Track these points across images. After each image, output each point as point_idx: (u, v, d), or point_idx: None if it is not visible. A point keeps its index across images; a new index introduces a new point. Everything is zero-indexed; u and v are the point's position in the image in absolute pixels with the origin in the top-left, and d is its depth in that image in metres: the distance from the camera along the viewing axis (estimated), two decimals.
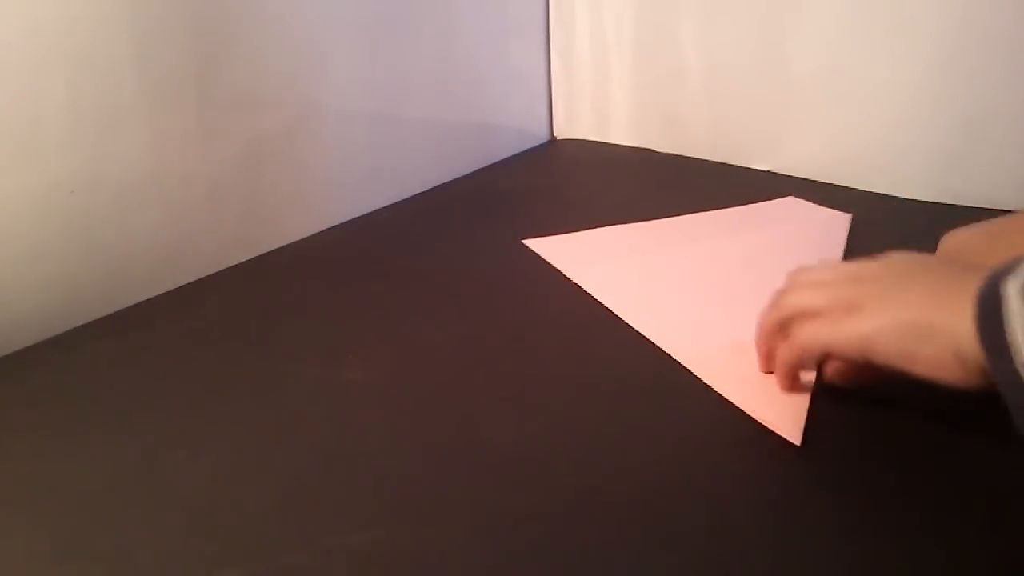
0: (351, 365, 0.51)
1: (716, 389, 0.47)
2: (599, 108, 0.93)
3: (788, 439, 0.43)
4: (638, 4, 0.86)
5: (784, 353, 0.45)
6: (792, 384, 0.46)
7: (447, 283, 0.61)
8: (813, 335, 0.43)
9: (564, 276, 0.61)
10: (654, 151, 0.90)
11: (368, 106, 0.74)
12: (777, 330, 0.46)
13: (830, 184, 0.77)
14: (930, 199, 0.71)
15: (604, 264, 0.63)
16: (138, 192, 0.59)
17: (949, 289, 0.39)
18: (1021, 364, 0.33)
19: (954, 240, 0.52)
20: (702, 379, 0.48)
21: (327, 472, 0.42)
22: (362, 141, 0.74)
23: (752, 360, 0.48)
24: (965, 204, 0.71)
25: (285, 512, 0.40)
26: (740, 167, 0.83)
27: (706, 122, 0.85)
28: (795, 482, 0.40)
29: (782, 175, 0.80)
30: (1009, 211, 0.71)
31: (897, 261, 0.44)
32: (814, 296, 0.44)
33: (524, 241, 0.67)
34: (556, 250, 0.66)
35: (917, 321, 0.39)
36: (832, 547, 0.36)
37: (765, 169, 0.82)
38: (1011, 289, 0.35)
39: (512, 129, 0.92)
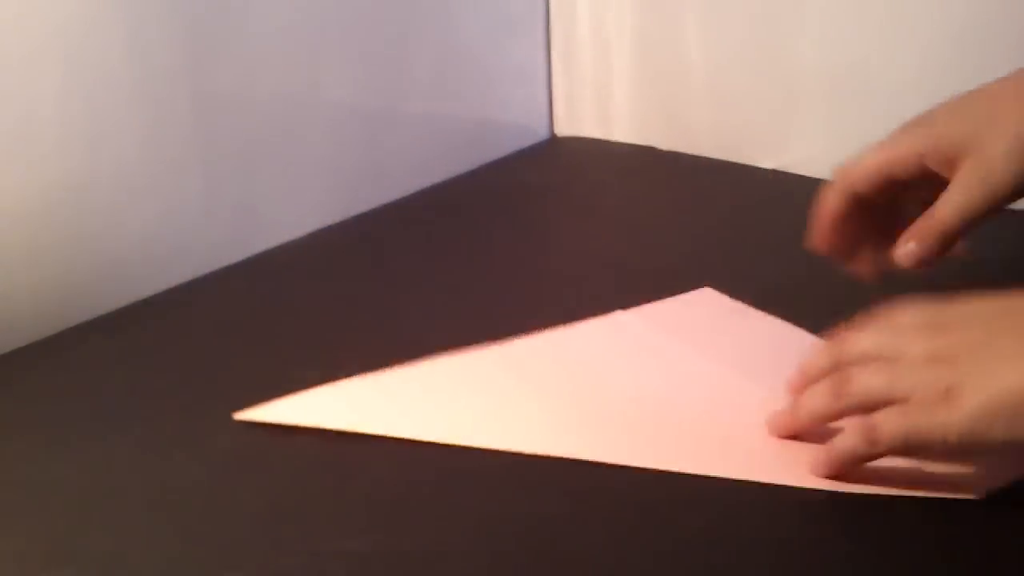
0: (349, 365, 0.51)
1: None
2: (600, 105, 0.93)
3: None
4: (640, 0, 0.86)
5: (853, 447, 0.37)
6: (842, 476, 0.38)
7: (447, 282, 0.61)
8: (899, 433, 0.36)
9: None
10: (656, 149, 0.89)
11: (366, 103, 0.73)
12: (838, 414, 0.38)
13: None
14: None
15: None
16: (134, 190, 0.58)
17: None
18: None
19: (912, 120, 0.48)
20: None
21: (326, 474, 0.42)
22: (360, 139, 0.74)
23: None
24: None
25: (283, 515, 0.39)
26: (744, 165, 0.83)
27: (709, 119, 0.85)
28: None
29: (787, 173, 0.80)
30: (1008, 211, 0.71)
31: (979, 307, 0.37)
32: (889, 382, 0.37)
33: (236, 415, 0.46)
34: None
35: None
36: None
37: (770, 167, 0.82)
38: None
39: (512, 126, 0.91)
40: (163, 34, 0.58)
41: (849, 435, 0.37)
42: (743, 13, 0.79)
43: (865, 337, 0.39)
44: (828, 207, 0.47)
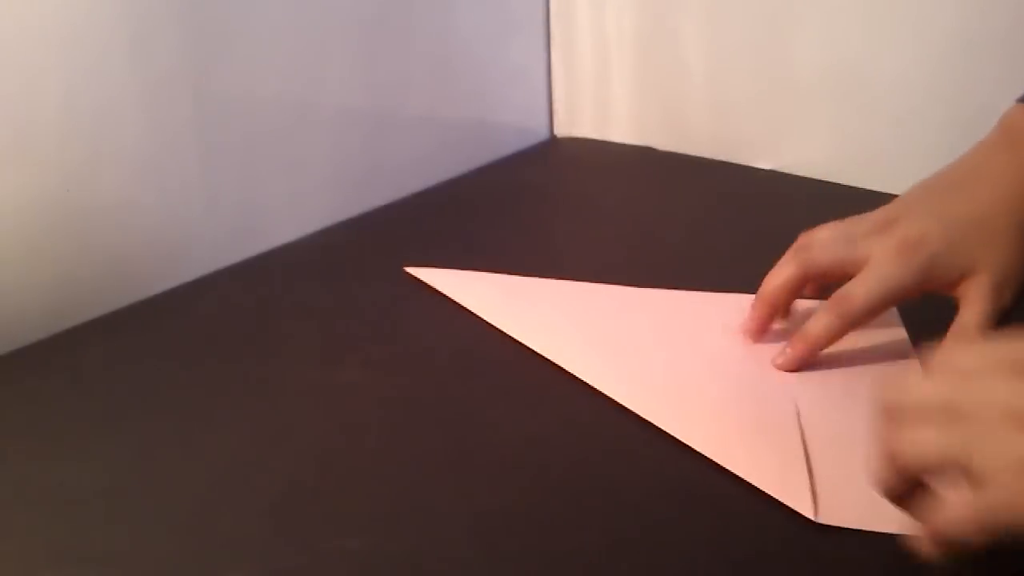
0: (349, 365, 0.51)
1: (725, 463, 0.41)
2: (600, 106, 0.93)
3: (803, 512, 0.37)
4: (639, 1, 0.86)
5: (951, 523, 0.29)
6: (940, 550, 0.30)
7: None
8: (978, 516, 0.28)
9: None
10: (655, 149, 0.89)
11: (366, 104, 0.73)
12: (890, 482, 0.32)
13: (833, 183, 0.77)
14: None
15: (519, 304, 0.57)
16: (135, 191, 0.59)
17: None
18: None
19: (900, 229, 0.47)
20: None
21: (325, 474, 0.42)
22: (360, 139, 0.74)
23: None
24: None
25: (283, 514, 0.39)
26: (742, 165, 0.83)
27: (708, 120, 0.85)
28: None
29: (785, 174, 0.80)
30: None
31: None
32: (963, 439, 0.29)
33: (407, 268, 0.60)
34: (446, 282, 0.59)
35: None
36: None
37: (768, 168, 0.82)
38: None
39: (512, 127, 0.91)
40: (165, 35, 0.58)
41: (942, 517, 0.30)
42: (742, 15, 0.79)
43: (924, 385, 0.32)
44: (822, 338, 0.47)
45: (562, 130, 0.96)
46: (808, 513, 0.37)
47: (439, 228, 0.70)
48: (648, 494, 0.40)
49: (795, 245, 0.49)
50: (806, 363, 0.47)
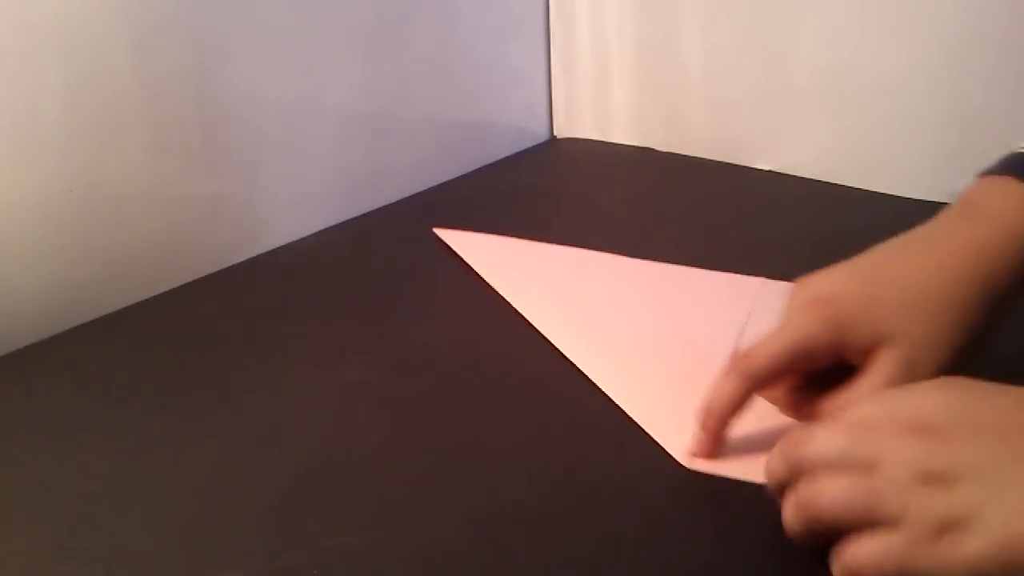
0: (350, 365, 0.51)
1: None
2: (599, 107, 0.93)
3: (675, 456, 0.41)
4: (639, 2, 0.86)
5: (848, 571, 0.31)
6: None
7: (446, 282, 0.61)
8: (890, 568, 0.30)
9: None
10: (655, 150, 0.89)
11: (367, 105, 0.73)
12: (804, 532, 0.33)
13: (832, 183, 0.77)
14: (932, 198, 0.71)
15: (525, 271, 0.61)
16: (137, 191, 0.59)
17: None
18: None
19: (814, 287, 0.42)
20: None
21: (326, 472, 0.42)
22: (361, 140, 0.74)
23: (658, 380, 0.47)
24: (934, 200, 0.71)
25: (284, 512, 0.40)
26: (741, 166, 0.83)
27: (707, 121, 0.85)
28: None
29: (783, 174, 0.80)
30: None
31: (973, 434, 0.31)
32: (872, 494, 0.31)
33: (436, 230, 0.68)
34: (472, 247, 0.65)
35: None
36: None
37: (767, 168, 0.82)
38: None
39: (512, 128, 0.91)
40: (168, 37, 0.58)
41: (835, 561, 0.32)
42: (740, 16, 0.79)
43: (830, 435, 0.33)
44: (725, 402, 0.40)
45: (562, 131, 0.96)
46: (680, 458, 0.41)
47: (440, 228, 0.70)
48: (648, 491, 0.40)
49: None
50: (718, 439, 0.41)
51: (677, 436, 0.42)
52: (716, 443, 0.41)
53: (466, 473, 0.42)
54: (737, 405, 0.40)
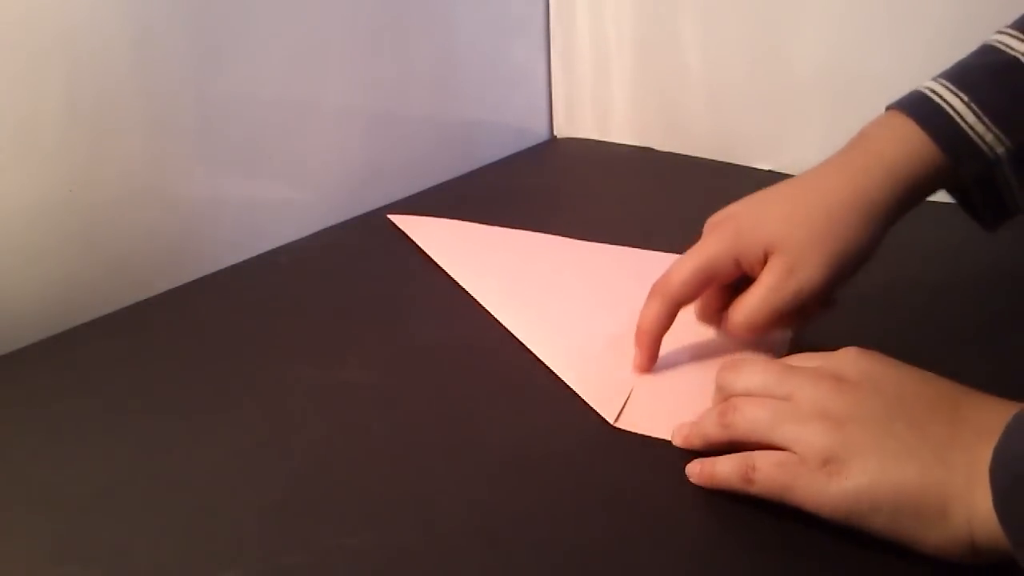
0: (350, 365, 0.51)
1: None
2: (599, 107, 0.93)
3: (605, 416, 0.45)
4: (639, 2, 0.86)
5: (729, 477, 0.38)
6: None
7: (447, 282, 0.61)
8: (777, 485, 0.36)
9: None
10: (655, 150, 0.90)
11: (367, 104, 0.74)
12: (725, 441, 0.39)
13: None
14: (932, 198, 0.71)
15: (475, 254, 0.64)
16: (137, 191, 0.59)
17: (949, 454, 0.33)
18: None
19: (719, 214, 0.49)
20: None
21: (325, 472, 0.42)
22: (361, 140, 0.74)
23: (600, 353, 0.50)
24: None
25: (284, 512, 0.40)
26: (741, 166, 0.83)
27: (707, 121, 0.85)
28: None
29: (783, 174, 0.80)
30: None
31: (872, 394, 0.36)
32: (776, 420, 0.37)
33: (390, 216, 0.71)
34: (424, 231, 0.68)
35: (914, 497, 0.33)
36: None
37: (766, 168, 0.82)
38: None
39: (512, 128, 0.92)
40: (168, 36, 0.58)
41: (729, 466, 0.38)
42: (740, 17, 0.79)
43: (758, 370, 0.39)
44: (651, 321, 0.47)
45: (562, 131, 0.96)
46: (610, 419, 0.45)
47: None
48: (648, 489, 0.40)
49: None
50: (652, 355, 0.48)
51: (607, 398, 0.46)
52: (650, 360, 0.48)
53: (466, 473, 0.42)
54: (662, 322, 0.47)
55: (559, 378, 0.49)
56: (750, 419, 0.38)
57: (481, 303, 0.57)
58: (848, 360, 0.38)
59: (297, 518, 0.39)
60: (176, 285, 0.61)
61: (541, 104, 0.95)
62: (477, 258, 0.64)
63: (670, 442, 0.43)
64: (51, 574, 0.37)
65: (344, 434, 0.45)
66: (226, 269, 0.64)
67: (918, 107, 0.46)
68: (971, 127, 0.44)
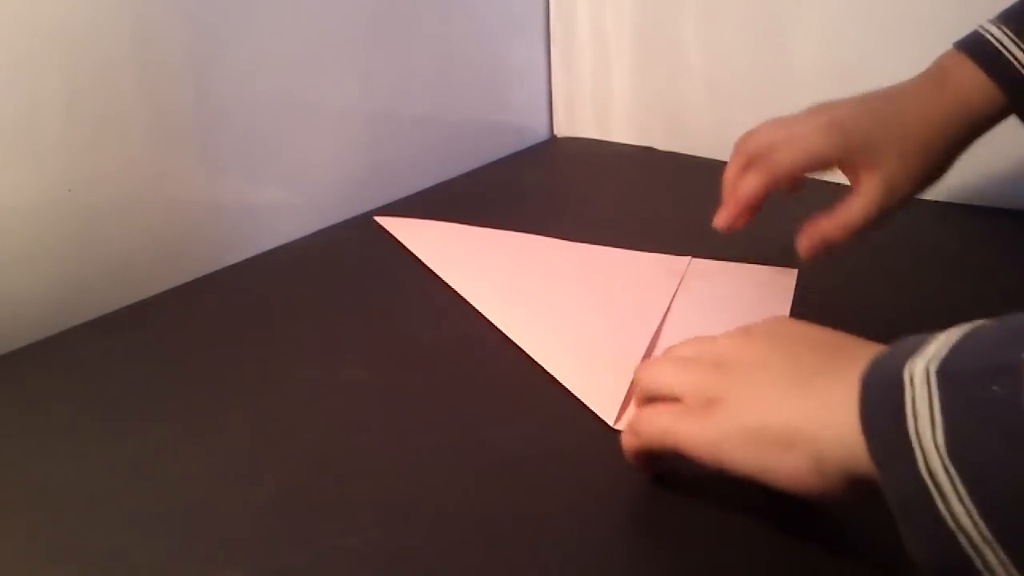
0: (350, 365, 0.51)
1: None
2: (600, 106, 0.93)
3: (605, 419, 0.45)
4: (639, 2, 0.86)
5: (626, 437, 0.39)
6: (642, 465, 0.40)
7: (446, 282, 0.61)
8: (657, 428, 0.37)
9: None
10: (655, 149, 0.90)
11: (367, 104, 0.73)
12: (641, 403, 0.41)
13: (832, 183, 0.77)
14: (931, 197, 0.71)
15: (462, 254, 0.65)
16: (136, 190, 0.59)
17: (811, 382, 0.33)
18: (931, 470, 0.26)
19: (830, 111, 0.53)
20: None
21: (325, 472, 0.42)
22: (361, 139, 0.74)
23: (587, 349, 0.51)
24: (966, 203, 0.71)
25: (283, 512, 0.40)
26: None
27: (707, 120, 0.85)
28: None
29: None
30: (1010, 210, 0.71)
31: (765, 340, 0.37)
32: (673, 377, 0.38)
33: (377, 218, 0.71)
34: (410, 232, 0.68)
35: (770, 426, 0.33)
36: None
37: None
38: (918, 372, 0.27)
39: (512, 127, 0.92)
40: (167, 35, 0.58)
41: (624, 433, 0.40)
42: (741, 15, 0.79)
43: (687, 346, 0.41)
44: (749, 193, 0.53)
45: (562, 130, 0.96)
46: (610, 421, 0.45)
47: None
48: (648, 490, 0.40)
49: (745, 152, 0.55)
50: (739, 216, 0.54)
51: (605, 400, 0.46)
52: (738, 218, 0.54)
53: (465, 473, 0.42)
54: (757, 193, 0.53)
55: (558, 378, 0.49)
56: (655, 379, 0.39)
57: (472, 304, 0.57)
58: (771, 321, 0.39)
59: (297, 518, 0.39)
60: (176, 284, 0.61)
61: (541, 103, 0.95)
62: (464, 259, 0.64)
63: None
64: (51, 574, 0.37)
65: (344, 434, 0.45)
66: (226, 269, 0.64)
67: (986, 58, 0.51)
68: None
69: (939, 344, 0.28)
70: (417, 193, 0.78)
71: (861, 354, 0.31)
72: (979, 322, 0.29)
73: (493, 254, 0.65)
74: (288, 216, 0.69)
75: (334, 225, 0.71)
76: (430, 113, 0.80)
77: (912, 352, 0.28)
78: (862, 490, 0.30)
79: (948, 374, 0.27)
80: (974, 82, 0.51)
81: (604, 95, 0.92)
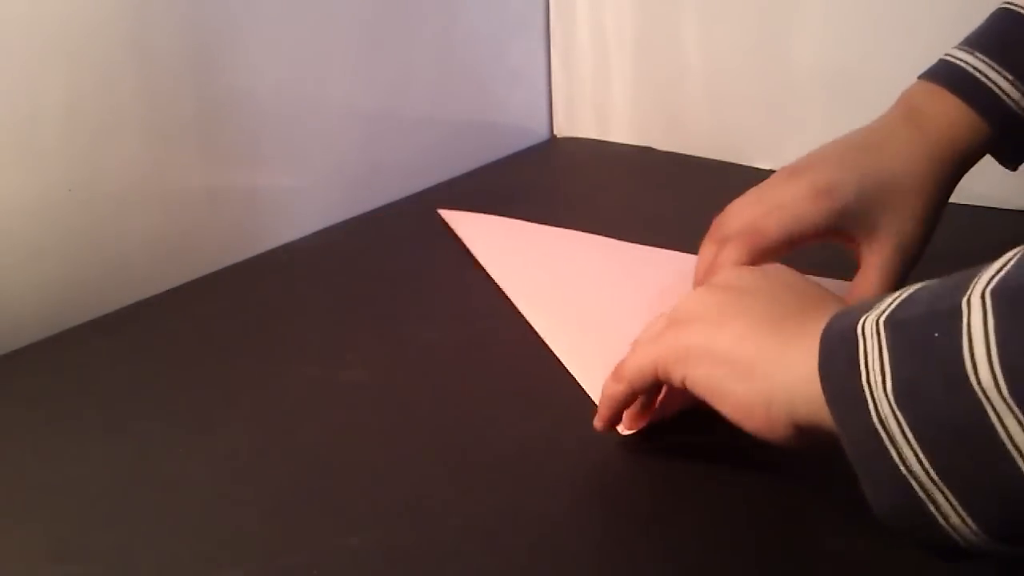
0: (350, 365, 0.51)
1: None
2: (599, 106, 0.93)
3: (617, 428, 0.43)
4: (639, 2, 0.86)
5: (609, 384, 0.41)
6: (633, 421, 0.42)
7: (447, 282, 0.61)
8: (641, 356, 0.39)
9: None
10: (655, 149, 0.89)
11: (367, 104, 0.73)
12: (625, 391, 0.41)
13: None
14: None
15: (520, 254, 0.64)
16: (136, 190, 0.59)
17: (782, 325, 0.34)
18: (882, 418, 0.27)
19: (811, 174, 0.48)
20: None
21: (326, 472, 0.42)
22: (361, 139, 0.74)
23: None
24: (965, 203, 0.70)
25: (284, 512, 0.40)
26: (741, 165, 0.83)
27: (707, 120, 0.85)
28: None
29: None
30: (1010, 210, 0.71)
31: (757, 278, 0.39)
32: (657, 332, 0.39)
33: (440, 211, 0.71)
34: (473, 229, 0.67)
35: (732, 353, 0.34)
36: None
37: (767, 168, 0.82)
38: (868, 324, 0.28)
39: (512, 127, 0.91)
40: (167, 34, 0.58)
41: (610, 374, 0.40)
42: (741, 16, 0.79)
43: (678, 307, 0.41)
44: (730, 263, 0.46)
45: (562, 130, 0.96)
46: (620, 429, 0.43)
47: (440, 228, 0.70)
48: (648, 490, 0.40)
49: (725, 233, 0.49)
50: None
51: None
52: None
53: (466, 473, 0.42)
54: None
55: (559, 378, 0.49)
56: (640, 340, 0.40)
57: (516, 304, 0.56)
58: (766, 265, 0.40)
59: (297, 518, 0.39)
60: (176, 284, 0.61)
61: (541, 104, 0.95)
62: (520, 256, 0.63)
63: (672, 444, 0.43)
64: (51, 574, 0.37)
65: (344, 434, 0.45)
66: (226, 268, 0.64)
67: (967, 89, 0.48)
68: (1016, 103, 0.47)
69: (892, 299, 0.29)
70: (417, 193, 0.78)
71: (838, 302, 0.33)
72: (932, 280, 0.30)
73: (549, 251, 0.64)
74: (288, 216, 0.69)
75: (334, 225, 0.71)
76: (430, 113, 0.80)
77: (869, 308, 0.29)
78: (804, 438, 0.31)
79: (894, 323, 0.28)
80: (954, 115, 0.47)
81: (604, 95, 0.92)
